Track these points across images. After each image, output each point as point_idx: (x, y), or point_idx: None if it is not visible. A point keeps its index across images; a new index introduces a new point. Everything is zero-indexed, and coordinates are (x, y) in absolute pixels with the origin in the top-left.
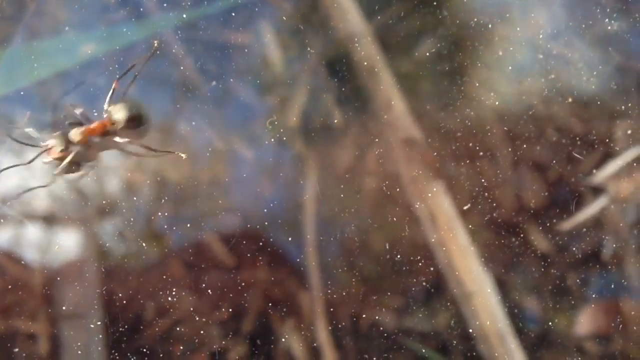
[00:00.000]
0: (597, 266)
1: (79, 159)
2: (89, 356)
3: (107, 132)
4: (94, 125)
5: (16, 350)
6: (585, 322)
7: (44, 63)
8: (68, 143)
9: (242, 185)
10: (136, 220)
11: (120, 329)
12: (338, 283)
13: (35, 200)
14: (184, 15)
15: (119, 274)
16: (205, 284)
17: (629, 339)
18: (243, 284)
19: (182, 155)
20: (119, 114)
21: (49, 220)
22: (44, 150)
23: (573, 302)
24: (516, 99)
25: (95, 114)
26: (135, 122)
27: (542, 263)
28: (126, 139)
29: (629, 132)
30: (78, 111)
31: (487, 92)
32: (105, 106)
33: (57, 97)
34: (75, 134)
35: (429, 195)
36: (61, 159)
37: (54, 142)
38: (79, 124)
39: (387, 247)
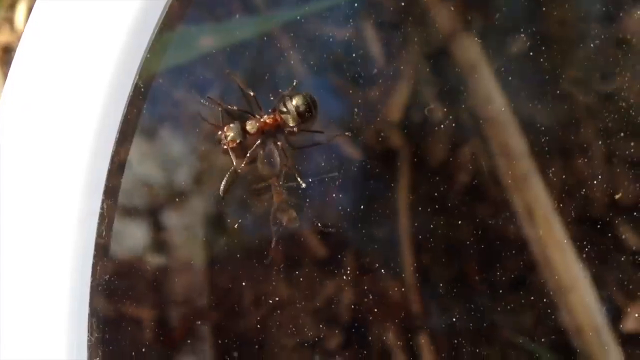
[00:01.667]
0: None
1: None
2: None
3: (278, 125)
4: (267, 119)
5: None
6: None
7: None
8: (245, 133)
9: (339, 178)
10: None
11: (221, 315)
12: (432, 278)
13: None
14: (293, 13)
15: (222, 262)
16: (300, 274)
17: None
18: (338, 277)
19: (347, 133)
20: (297, 105)
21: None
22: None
23: None
24: (610, 96)
25: None
26: (307, 113)
27: (635, 260)
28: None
29: None
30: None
31: (582, 89)
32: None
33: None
34: (251, 125)
35: (526, 189)
36: (234, 149)
37: (232, 133)
38: (251, 114)
39: (482, 242)
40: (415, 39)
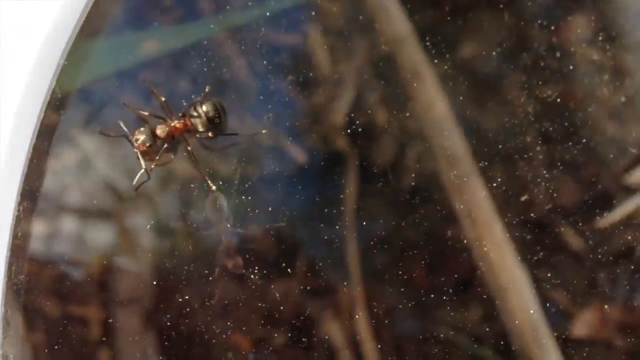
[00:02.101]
0: (630, 266)
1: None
2: (143, 340)
3: (188, 130)
4: (177, 123)
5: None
6: (582, 323)
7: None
8: (155, 137)
9: (285, 181)
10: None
11: (168, 315)
12: (376, 277)
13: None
14: (237, 18)
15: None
16: (248, 272)
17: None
18: (283, 276)
19: (264, 131)
20: (206, 111)
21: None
22: (133, 143)
23: (602, 301)
24: (549, 101)
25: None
26: (216, 119)
27: (576, 261)
28: (206, 133)
29: None
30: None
31: (525, 95)
32: (188, 108)
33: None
34: (161, 130)
35: (467, 191)
36: (145, 152)
37: (142, 136)
38: (161, 118)
39: (426, 243)
40: (361, 46)
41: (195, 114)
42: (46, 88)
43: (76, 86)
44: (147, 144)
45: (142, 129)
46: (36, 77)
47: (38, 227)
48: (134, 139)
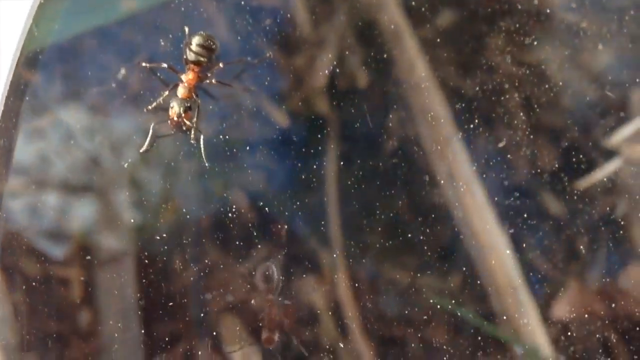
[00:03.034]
0: (610, 228)
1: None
2: (124, 300)
3: (199, 76)
4: (189, 74)
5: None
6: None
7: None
8: (183, 101)
9: (268, 145)
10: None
11: (152, 277)
12: (358, 242)
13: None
14: None
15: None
16: (229, 239)
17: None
18: (266, 243)
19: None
20: (198, 44)
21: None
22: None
23: (583, 265)
24: (534, 67)
25: None
26: (212, 44)
27: (556, 225)
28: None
29: None
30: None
31: (507, 60)
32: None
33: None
34: (182, 91)
35: (449, 156)
36: (181, 120)
37: (175, 105)
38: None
39: (407, 206)
40: (342, 8)
41: (192, 54)
42: (15, 46)
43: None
44: (184, 110)
45: (170, 102)
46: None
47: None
48: (174, 115)
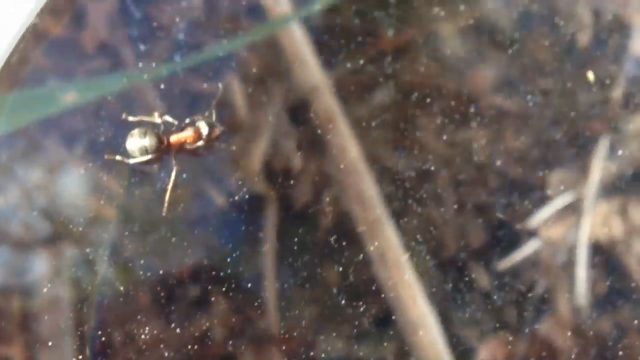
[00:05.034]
0: (531, 303)
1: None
2: None
3: (194, 142)
4: (189, 134)
5: None
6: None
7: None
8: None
9: (207, 221)
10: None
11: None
12: (295, 314)
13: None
14: (161, 68)
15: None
16: (171, 315)
17: None
18: (206, 317)
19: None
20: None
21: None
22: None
23: (509, 336)
24: (461, 146)
25: None
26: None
27: (483, 297)
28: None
29: (561, 181)
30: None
31: (434, 139)
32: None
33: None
34: (174, 138)
35: (380, 234)
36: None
37: (206, 124)
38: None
39: (340, 282)
40: (277, 93)
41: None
42: None
43: None
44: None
45: (198, 123)
46: None
47: None
48: (208, 134)
